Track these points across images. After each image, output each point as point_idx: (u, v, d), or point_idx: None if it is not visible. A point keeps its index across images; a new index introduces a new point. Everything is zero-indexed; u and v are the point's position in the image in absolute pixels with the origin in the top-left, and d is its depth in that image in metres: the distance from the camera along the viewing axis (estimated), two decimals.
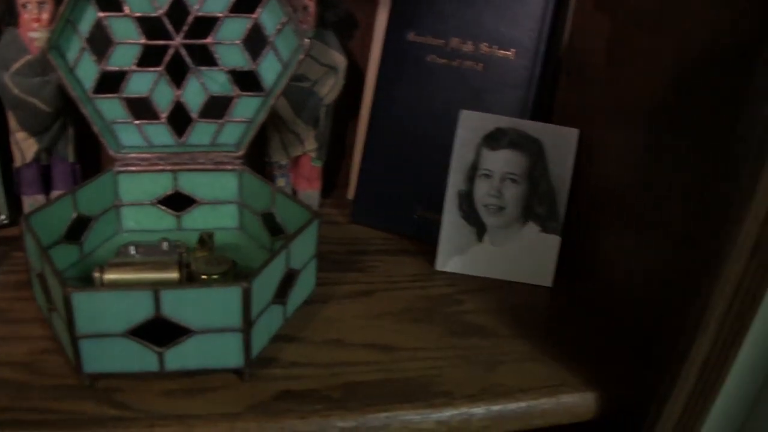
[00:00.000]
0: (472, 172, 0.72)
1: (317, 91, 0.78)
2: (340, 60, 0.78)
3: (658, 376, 0.55)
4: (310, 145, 0.81)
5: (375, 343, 0.63)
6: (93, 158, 0.83)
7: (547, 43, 0.72)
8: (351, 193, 0.85)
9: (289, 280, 0.62)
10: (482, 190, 0.72)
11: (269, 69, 0.72)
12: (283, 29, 0.70)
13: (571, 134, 0.71)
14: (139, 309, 0.51)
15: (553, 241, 0.73)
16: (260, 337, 0.59)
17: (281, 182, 0.83)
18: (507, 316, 0.68)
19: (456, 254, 0.74)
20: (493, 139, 0.72)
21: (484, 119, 0.72)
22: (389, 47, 0.77)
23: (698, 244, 0.52)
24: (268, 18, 0.69)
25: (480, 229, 0.73)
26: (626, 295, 0.65)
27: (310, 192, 0.84)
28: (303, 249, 0.64)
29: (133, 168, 0.73)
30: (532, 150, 0.72)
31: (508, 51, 0.72)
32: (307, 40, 0.69)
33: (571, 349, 0.64)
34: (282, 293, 0.62)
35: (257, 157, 0.83)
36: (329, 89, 0.78)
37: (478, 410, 0.56)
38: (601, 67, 0.69)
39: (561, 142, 0.71)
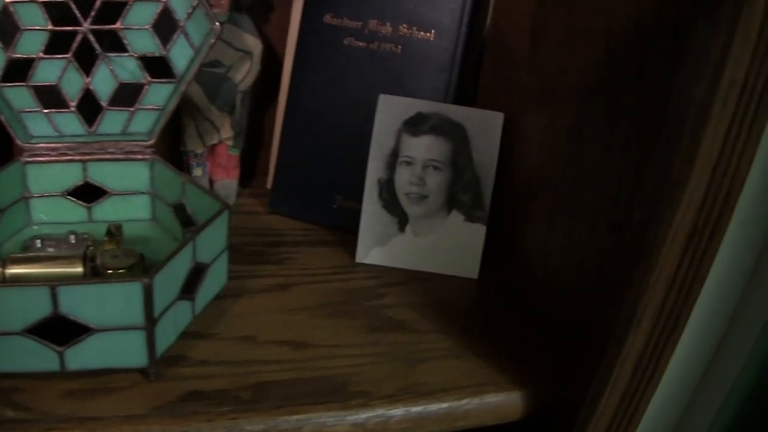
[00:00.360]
0: (393, 159, 0.69)
1: (232, 77, 0.73)
2: (255, 44, 0.74)
3: (589, 373, 0.53)
4: (226, 133, 0.77)
5: (289, 340, 0.59)
6: (4, 149, 0.77)
7: (469, 23, 0.69)
8: (270, 182, 0.81)
9: (197, 274, 0.58)
10: (403, 178, 0.69)
11: (180, 55, 0.67)
12: (193, 13, 0.65)
13: (496, 119, 0.69)
14: (36, 306, 0.49)
15: (479, 231, 0.70)
16: (166, 335, 0.55)
17: (198, 172, 0.78)
18: (430, 310, 0.65)
19: (377, 245, 0.71)
20: (414, 125, 0.69)
21: (404, 104, 0.69)
22: (305, 30, 0.74)
23: (631, 233, 0.50)
24: (178, 2, 0.65)
25: (402, 219, 0.70)
26: (556, 288, 0.63)
27: (228, 181, 0.79)
28: (212, 242, 0.60)
29: (42, 158, 0.68)
30: (455, 135, 0.69)
31: (428, 32, 0.69)
32: (218, 25, 0.65)
33: (497, 345, 0.61)
34: (189, 288, 0.57)
35: (173, 146, 0.78)
36: (244, 75, 0.74)
37: (397, 411, 0.53)
38: (526, 48, 0.67)
39: (485, 127, 0.69)
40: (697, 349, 0.53)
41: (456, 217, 0.70)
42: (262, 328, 0.60)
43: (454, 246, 0.70)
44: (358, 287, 0.67)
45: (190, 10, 0.65)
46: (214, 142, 0.77)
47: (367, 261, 0.71)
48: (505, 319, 0.66)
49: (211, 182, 0.80)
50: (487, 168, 0.69)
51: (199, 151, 0.78)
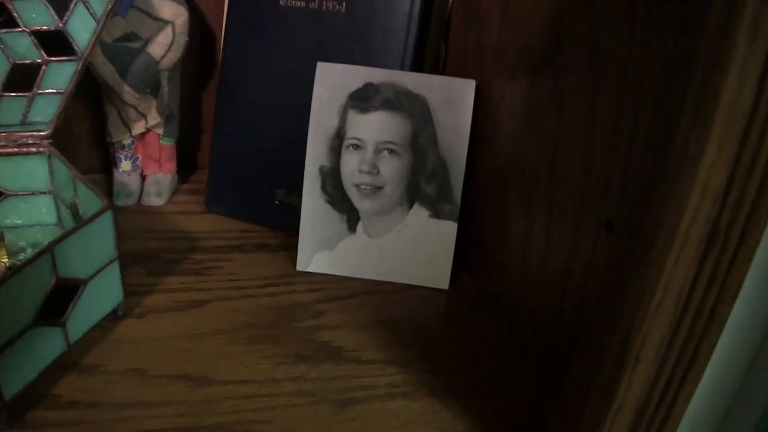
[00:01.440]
0: (337, 142, 0.55)
1: (150, 51, 0.61)
2: (177, 13, 0.61)
3: (571, 428, 0.38)
4: (154, 119, 0.64)
5: (188, 375, 0.46)
6: None
7: None
8: None
9: (66, 292, 0.46)
10: (351, 166, 0.55)
11: (80, 27, 0.55)
12: None
13: (466, 88, 0.54)
14: None
15: (448, 230, 0.56)
16: (19, 371, 0.42)
17: (126, 165, 0.66)
18: (381, 332, 0.51)
19: (321, 250, 0.57)
20: (363, 99, 0.55)
21: (349, 73, 0.55)
22: None
23: (626, 234, 0.36)
24: None
25: (351, 217, 0.56)
26: (539, 306, 0.48)
27: (161, 176, 0.67)
28: (89, 251, 0.47)
29: None
30: (416, 110, 0.55)
31: None
32: None
33: (460, 380, 0.47)
34: (56, 311, 0.45)
35: (100, 137, 0.67)
36: (165, 49, 0.61)
37: None
38: (505, 3, 0.53)
39: (454, 99, 0.54)
40: (722, 396, 0.38)
41: (419, 213, 0.56)
42: (158, 359, 0.47)
43: (417, 249, 0.56)
44: (293, 303, 0.54)
45: None
46: (142, 130, 0.65)
47: (309, 269, 0.57)
48: (475, 344, 0.51)
49: (143, 177, 0.68)
50: (457, 150, 0.55)
51: (126, 141, 0.66)
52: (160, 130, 0.65)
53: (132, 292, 0.52)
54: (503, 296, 0.54)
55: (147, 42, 0.61)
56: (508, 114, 0.52)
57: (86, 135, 0.68)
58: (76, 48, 0.55)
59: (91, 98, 0.65)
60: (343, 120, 0.55)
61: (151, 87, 0.62)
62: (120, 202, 0.65)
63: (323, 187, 0.56)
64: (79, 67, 0.55)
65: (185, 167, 0.71)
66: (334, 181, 0.56)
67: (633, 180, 0.38)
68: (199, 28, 0.68)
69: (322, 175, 0.56)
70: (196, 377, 0.46)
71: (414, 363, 0.48)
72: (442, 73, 0.62)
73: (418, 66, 0.56)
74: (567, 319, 0.44)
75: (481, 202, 0.57)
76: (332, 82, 0.55)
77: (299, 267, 0.57)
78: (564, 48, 0.44)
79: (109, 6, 0.53)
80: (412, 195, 0.56)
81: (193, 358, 0.47)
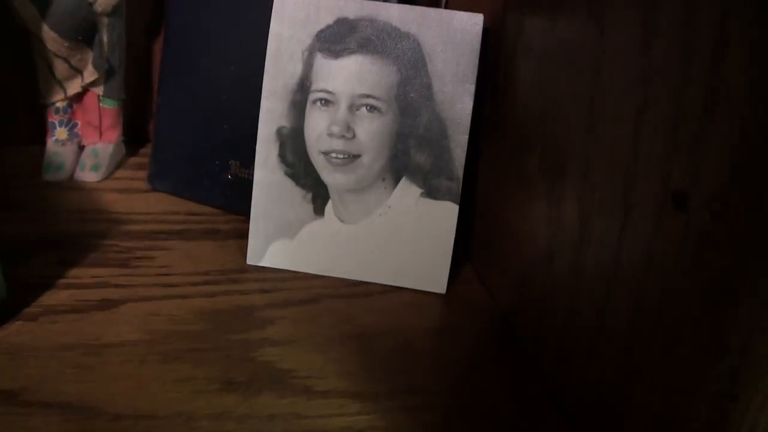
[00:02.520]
0: (300, 95, 0.42)
1: None
2: None
3: None
4: (90, 75, 0.52)
5: (70, 403, 0.33)
6: None
7: None
8: None
9: None
10: (319, 127, 0.42)
11: None
12: None
13: (471, 23, 0.40)
14: None
15: (447, 214, 0.42)
16: None
17: (61, 134, 0.54)
18: (345, 351, 0.38)
19: (278, 238, 0.44)
20: (334, 39, 0.41)
21: (316, 3, 0.41)
22: None
23: (721, 217, 0.22)
24: None
25: (318, 195, 0.43)
26: (578, 317, 0.34)
27: (100, 147, 0.54)
28: None
29: None
30: (404, 54, 0.41)
31: None
32: None
33: (461, 425, 0.33)
34: None
35: (33, 98, 0.54)
36: None
37: None
38: None
39: (454, 38, 0.41)
40: None
41: (407, 192, 0.42)
42: (37, 378, 0.34)
43: (404, 239, 0.42)
44: (234, 307, 0.40)
45: None
46: (78, 90, 0.53)
47: (263, 263, 0.44)
48: (480, 372, 0.37)
49: (81, 148, 0.55)
50: (459, 107, 0.41)
51: (61, 104, 0.53)
52: (99, 90, 0.53)
53: (30, 284, 0.40)
54: (519, 304, 0.39)
55: None
56: (528, 54, 0.38)
57: (23, 96, 0.56)
58: None
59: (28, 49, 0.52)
60: (308, 67, 0.42)
61: (83, 34, 0.49)
62: (49, 177, 0.53)
63: (281, 156, 0.43)
64: None
65: (136, 137, 0.59)
66: (296, 147, 0.42)
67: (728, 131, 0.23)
68: None
69: (281, 139, 0.42)
70: (79, 407, 0.33)
71: (389, 397, 0.35)
72: (446, 6, 0.48)
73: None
74: (613, 338, 0.30)
75: (490, 176, 0.43)
76: (294, 16, 0.41)
77: (250, 260, 0.44)
78: None
79: None
80: (398, 166, 0.42)
81: (84, 379, 0.34)
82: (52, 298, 0.40)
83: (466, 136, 0.41)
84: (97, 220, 0.48)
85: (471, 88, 0.41)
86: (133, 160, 0.57)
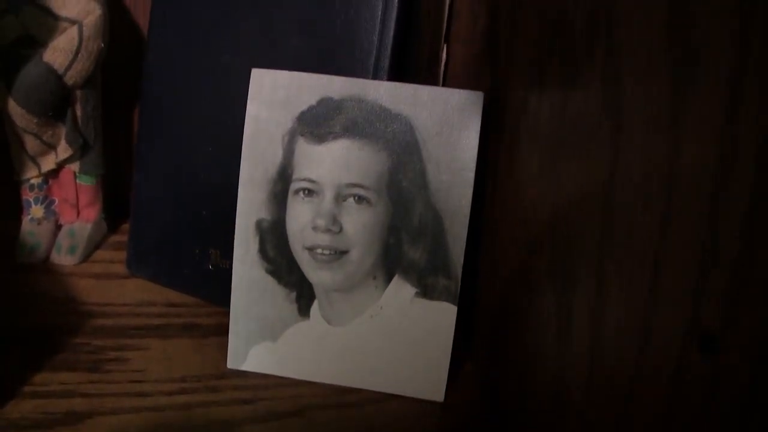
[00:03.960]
0: (282, 185, 0.38)
1: (48, 60, 0.45)
2: (87, 10, 0.45)
3: None
4: (64, 151, 0.48)
5: None
6: None
7: None
8: None
9: None
10: (302, 220, 0.38)
11: None
12: None
13: (471, 103, 0.36)
14: None
15: (444, 316, 0.37)
16: None
17: (37, 212, 0.51)
18: None
19: (260, 341, 0.39)
20: (317, 121, 0.37)
21: (297, 82, 0.37)
22: None
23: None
24: None
25: (302, 294, 0.39)
26: None
27: (77, 226, 0.51)
28: None
29: None
30: (395, 137, 0.37)
31: None
32: None
33: None
34: None
35: (8, 174, 0.51)
36: (69, 57, 0.45)
37: None
38: None
39: (451, 119, 0.36)
40: None
41: (401, 291, 0.38)
42: None
43: (398, 343, 0.38)
44: (212, 422, 0.36)
45: None
46: (52, 166, 0.49)
47: (244, 368, 0.40)
48: None
49: (58, 227, 0.52)
50: (457, 197, 0.36)
51: (35, 180, 0.50)
52: (75, 167, 0.49)
53: None
54: (525, 420, 0.35)
55: (46, 48, 0.45)
56: (534, 139, 0.34)
57: None
58: None
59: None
60: (289, 153, 0.38)
61: (53, 109, 0.46)
62: (23, 259, 0.49)
63: (262, 251, 0.38)
64: None
65: (117, 211, 0.55)
66: (278, 241, 0.38)
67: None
68: (130, 27, 0.52)
69: (260, 233, 0.38)
70: None
71: None
72: (444, 83, 0.43)
73: (399, 71, 0.38)
74: None
75: (493, 275, 0.38)
76: (272, 96, 0.37)
77: (230, 364, 0.40)
78: (623, 23, 0.26)
79: None
80: (390, 263, 0.37)
81: None
82: (15, 409, 0.36)
83: (465, 231, 0.37)
84: (70, 311, 0.45)
85: (470, 176, 0.36)
86: (114, 238, 0.53)
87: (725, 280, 0.20)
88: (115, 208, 0.55)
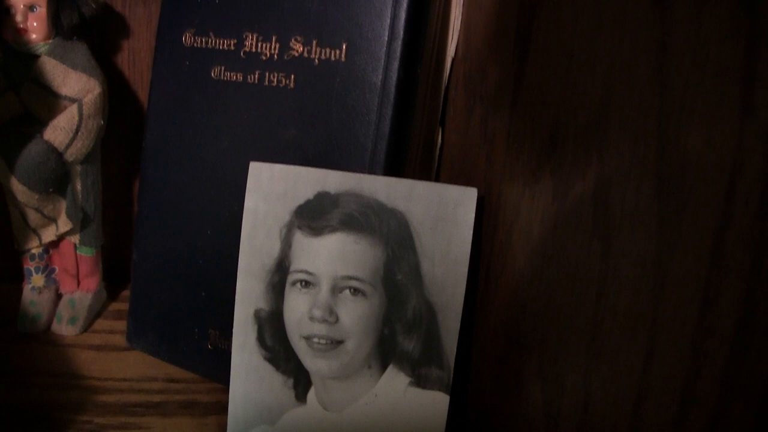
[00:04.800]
0: (279, 276, 0.39)
1: (49, 139, 0.46)
2: (87, 88, 0.46)
3: None
4: (65, 225, 0.49)
5: None
6: None
7: (409, 29, 0.38)
8: None
9: None
10: (299, 310, 0.39)
11: None
12: None
13: (465, 199, 0.37)
14: None
15: (436, 405, 0.38)
16: None
17: (38, 281, 0.52)
18: None
19: (258, 424, 0.40)
20: (314, 215, 0.38)
21: (295, 177, 0.38)
22: (158, 58, 0.45)
23: None
24: None
25: (299, 381, 0.40)
26: None
27: (78, 296, 0.52)
28: None
29: None
30: (390, 232, 0.38)
31: (336, 49, 0.39)
32: None
33: None
34: None
35: (8, 245, 0.52)
36: (69, 136, 0.46)
37: None
38: (512, 70, 0.36)
39: (445, 215, 0.37)
40: None
41: (395, 380, 0.39)
42: None
43: (392, 430, 0.39)
44: None
45: None
46: (53, 238, 0.50)
47: None
48: None
49: (59, 296, 0.52)
50: (450, 291, 0.38)
51: (36, 250, 0.51)
52: (75, 238, 0.50)
53: None
54: None
55: (46, 126, 0.46)
56: (526, 237, 0.35)
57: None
58: None
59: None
60: (286, 245, 0.39)
61: (54, 185, 0.47)
62: (24, 329, 0.50)
63: (260, 340, 0.39)
64: None
65: (116, 277, 0.56)
66: (275, 330, 0.39)
67: None
68: (130, 103, 0.53)
69: (258, 322, 0.39)
70: None
71: None
72: (437, 173, 0.45)
73: (395, 165, 0.39)
74: None
75: (483, 369, 0.39)
76: (271, 190, 0.39)
77: None
78: (617, 126, 0.27)
79: None
80: (384, 353, 0.38)
81: None
82: None
83: (458, 323, 0.38)
84: (70, 386, 0.45)
85: (463, 271, 0.37)
86: (114, 306, 0.54)
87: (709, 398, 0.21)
88: (115, 275, 0.56)
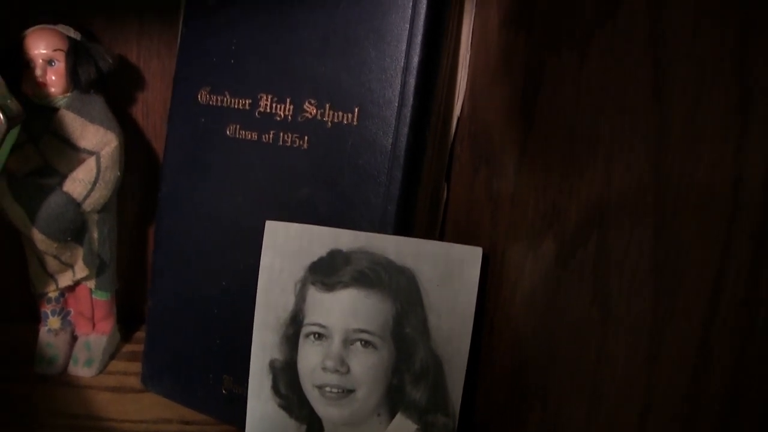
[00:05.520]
0: (293, 328, 0.41)
1: (68, 191, 0.48)
2: (104, 141, 0.48)
3: None
4: (82, 271, 0.51)
5: None
6: None
7: (418, 94, 0.40)
8: None
9: None
10: (312, 361, 0.41)
11: None
12: None
13: (470, 258, 0.40)
14: None
15: None
16: None
17: (54, 323, 0.53)
18: None
19: None
20: (327, 271, 0.40)
21: (309, 235, 0.40)
22: (174, 115, 0.47)
23: None
24: None
25: (312, 428, 0.41)
26: None
27: (93, 339, 0.53)
28: None
29: None
30: (399, 288, 0.40)
31: (348, 112, 0.41)
32: (1, 119, 0.41)
33: None
34: None
35: (24, 287, 0.53)
36: (87, 187, 0.48)
37: None
38: (519, 136, 0.38)
39: (452, 273, 0.40)
40: None
41: (403, 427, 0.41)
42: None
43: None
44: None
45: None
46: (69, 282, 0.52)
47: None
48: None
49: (74, 338, 0.54)
50: (455, 344, 0.40)
51: (53, 294, 0.53)
52: (91, 283, 0.52)
53: None
54: None
55: (65, 178, 0.48)
56: (530, 296, 0.37)
57: (14, 274, 0.56)
58: None
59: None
60: (301, 300, 0.41)
61: (72, 234, 0.49)
62: (41, 370, 0.52)
63: (275, 388, 0.41)
64: None
65: (130, 319, 0.57)
66: (289, 379, 0.41)
67: None
68: (143, 153, 0.55)
69: (273, 371, 0.41)
70: None
71: None
72: (442, 228, 0.47)
73: (404, 225, 0.41)
74: None
75: (487, 419, 0.41)
76: (286, 247, 0.41)
77: None
78: (616, 206, 0.29)
79: (1, 135, 0.41)
80: (393, 402, 0.40)
81: None
82: None
83: (463, 374, 0.40)
84: (89, 428, 0.47)
85: (469, 325, 0.39)
86: (128, 347, 0.56)
87: None
88: (128, 316, 0.57)
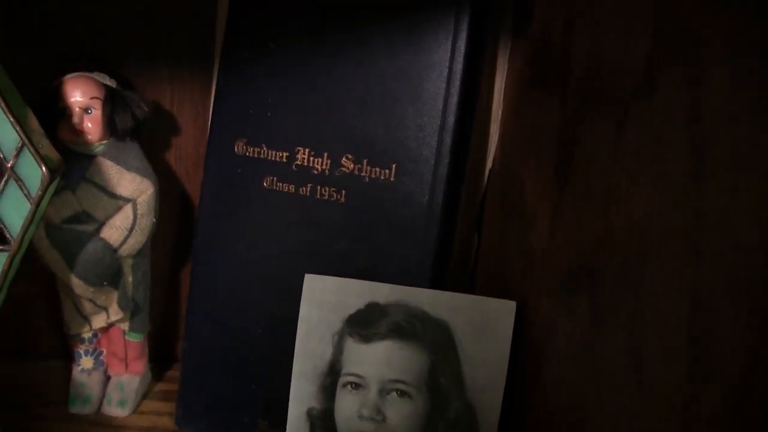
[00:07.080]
0: (331, 378, 0.42)
1: (105, 237, 0.49)
2: (140, 189, 0.49)
3: None
4: (116, 314, 0.52)
5: None
6: None
7: (454, 152, 0.41)
8: None
9: None
10: (349, 410, 0.42)
11: (12, 209, 0.44)
12: (22, 152, 0.43)
13: (504, 311, 0.41)
14: None
15: None
16: None
17: (87, 363, 0.54)
18: None
19: None
20: (364, 323, 0.41)
21: (346, 288, 0.42)
22: (211, 165, 0.48)
23: None
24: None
25: None
26: None
27: (126, 379, 0.54)
28: None
29: None
30: (435, 340, 0.41)
31: (385, 169, 0.42)
32: (45, 171, 0.42)
33: None
34: None
35: (58, 328, 0.55)
36: (124, 234, 0.49)
37: None
38: (551, 189, 0.39)
39: (485, 325, 0.41)
40: None
41: None
42: None
43: None
44: None
45: (19, 145, 0.42)
46: (103, 324, 0.53)
47: None
48: None
49: (108, 378, 0.55)
50: (489, 395, 0.41)
51: (86, 335, 0.54)
52: (124, 325, 0.53)
53: None
54: None
55: (102, 225, 0.49)
56: (563, 352, 0.38)
57: (45, 314, 0.57)
58: (7, 234, 0.44)
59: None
60: (338, 350, 0.42)
61: (108, 279, 0.50)
62: (75, 410, 0.53)
63: None
64: (7, 263, 0.43)
65: (162, 358, 0.58)
66: (327, 428, 0.42)
67: None
68: (176, 197, 0.56)
69: (311, 419, 0.43)
70: None
71: None
72: (472, 278, 0.48)
73: (439, 279, 0.42)
74: None
75: None
76: (324, 300, 0.42)
77: None
78: (652, 276, 0.30)
79: (43, 187, 0.42)
80: None
81: None
82: None
83: (496, 425, 0.41)
84: None
85: (502, 378, 0.41)
86: (160, 386, 0.57)
87: None
88: (160, 356, 0.58)
